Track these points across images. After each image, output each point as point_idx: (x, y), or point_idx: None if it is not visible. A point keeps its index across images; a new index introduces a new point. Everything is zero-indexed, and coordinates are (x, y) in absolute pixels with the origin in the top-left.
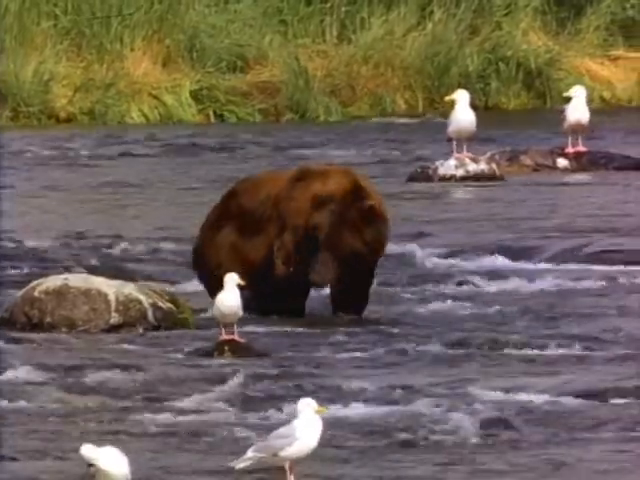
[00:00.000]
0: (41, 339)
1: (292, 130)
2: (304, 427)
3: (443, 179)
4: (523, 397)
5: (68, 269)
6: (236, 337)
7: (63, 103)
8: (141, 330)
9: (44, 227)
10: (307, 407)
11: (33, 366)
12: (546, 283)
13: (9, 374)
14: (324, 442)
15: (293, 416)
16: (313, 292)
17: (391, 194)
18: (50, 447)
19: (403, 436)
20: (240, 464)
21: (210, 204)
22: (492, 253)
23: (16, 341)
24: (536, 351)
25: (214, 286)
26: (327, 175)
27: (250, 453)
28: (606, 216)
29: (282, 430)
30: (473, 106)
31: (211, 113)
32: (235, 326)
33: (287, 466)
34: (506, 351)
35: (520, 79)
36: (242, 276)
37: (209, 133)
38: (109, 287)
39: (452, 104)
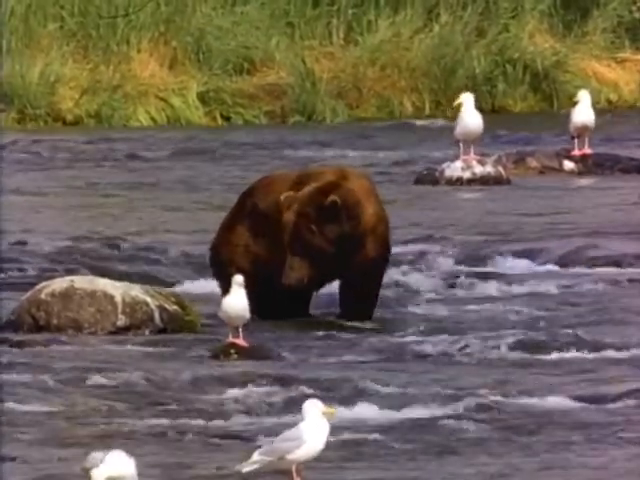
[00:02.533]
0: (47, 341)
1: (299, 132)
2: (311, 429)
3: (450, 181)
4: (529, 399)
5: (74, 271)
6: (241, 341)
7: (69, 105)
8: (147, 332)
9: (50, 229)
10: (313, 408)
11: (39, 368)
12: (552, 285)
13: (15, 376)
14: (331, 445)
15: (300, 418)
16: (319, 295)
17: (397, 196)
18: (56, 449)
19: (410, 438)
20: (246, 468)
21: (216, 206)
22: (498, 255)
23: (22, 343)
24: (542, 353)
25: (228, 285)
26: (317, 177)
27: (257, 456)
28: (612, 218)
29: (289, 433)
30: (479, 108)
31: (218, 115)
32: (241, 329)
33: (294, 469)
34: (513, 353)
35: (527, 81)
36: (253, 276)
37: (216, 135)
38: (115, 289)
39: (459, 107)
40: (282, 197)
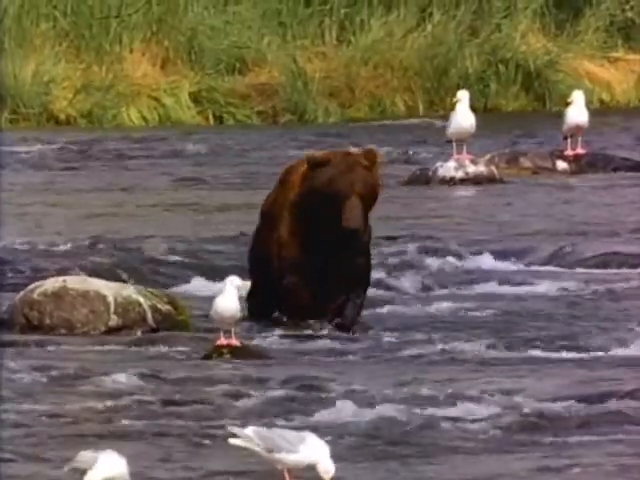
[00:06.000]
0: (40, 341)
1: (291, 132)
2: (312, 446)
3: (442, 181)
4: (523, 399)
5: (67, 271)
6: (233, 340)
7: (63, 105)
8: (140, 332)
9: (42, 229)
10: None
11: (32, 368)
12: (545, 286)
13: (8, 376)
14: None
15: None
16: None
17: (390, 196)
18: (48, 450)
19: (404, 439)
20: (237, 440)
21: (209, 206)
22: (491, 255)
23: (15, 343)
24: (538, 353)
25: None
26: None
27: (251, 432)
28: (605, 218)
29: (290, 434)
30: (472, 108)
31: (210, 115)
32: (233, 330)
33: (285, 470)
34: (505, 353)
35: (519, 81)
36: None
37: (208, 135)
38: (108, 289)
39: (453, 105)
40: (304, 157)
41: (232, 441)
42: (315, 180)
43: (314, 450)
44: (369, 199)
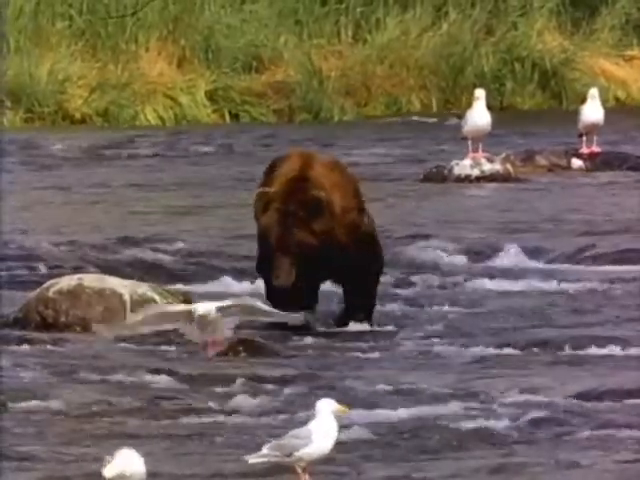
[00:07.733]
0: (55, 339)
1: (306, 130)
2: (320, 430)
3: (458, 179)
4: (531, 397)
5: (82, 269)
6: (249, 339)
7: (78, 104)
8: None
9: (58, 227)
10: (326, 408)
11: (47, 366)
12: (558, 283)
13: (23, 374)
14: (337, 444)
15: (311, 416)
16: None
17: (406, 194)
18: (62, 448)
19: (412, 437)
20: (253, 459)
21: (224, 205)
22: (505, 253)
23: (30, 341)
24: (545, 351)
25: None
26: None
27: (265, 450)
28: (620, 216)
29: (299, 431)
30: (488, 106)
31: (226, 113)
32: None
33: (300, 469)
34: (516, 351)
35: (535, 79)
36: None
37: (224, 133)
38: (124, 287)
39: (469, 104)
40: (255, 193)
41: (252, 461)
42: (259, 224)
43: (324, 433)
44: (300, 254)
